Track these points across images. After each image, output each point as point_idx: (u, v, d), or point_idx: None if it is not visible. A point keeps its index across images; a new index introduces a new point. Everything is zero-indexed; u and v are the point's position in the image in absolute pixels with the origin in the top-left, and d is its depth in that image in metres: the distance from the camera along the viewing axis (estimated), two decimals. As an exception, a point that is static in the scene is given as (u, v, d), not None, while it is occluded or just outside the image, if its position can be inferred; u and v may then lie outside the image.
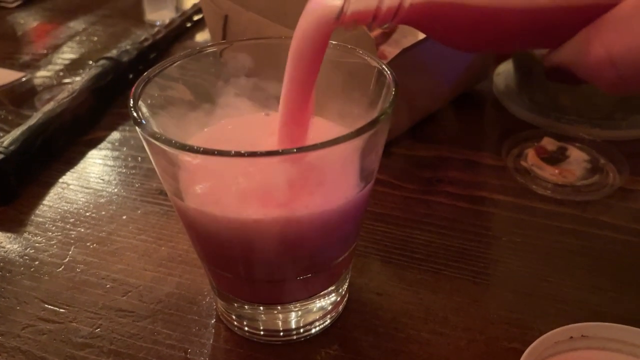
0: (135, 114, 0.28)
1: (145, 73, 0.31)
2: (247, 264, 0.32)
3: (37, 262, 0.42)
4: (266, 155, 0.24)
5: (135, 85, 0.30)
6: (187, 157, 0.27)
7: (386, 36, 0.66)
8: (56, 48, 0.77)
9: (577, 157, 0.51)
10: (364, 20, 0.25)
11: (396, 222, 0.45)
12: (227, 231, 0.29)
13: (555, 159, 0.51)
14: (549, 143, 0.52)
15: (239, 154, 0.24)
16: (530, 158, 0.51)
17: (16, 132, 0.50)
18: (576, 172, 0.49)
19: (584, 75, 0.23)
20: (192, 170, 0.29)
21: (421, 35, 0.64)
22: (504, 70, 0.65)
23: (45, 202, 0.48)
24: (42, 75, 0.70)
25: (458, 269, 0.40)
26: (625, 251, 0.42)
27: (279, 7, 0.51)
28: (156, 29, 0.73)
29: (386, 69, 0.30)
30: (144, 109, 0.30)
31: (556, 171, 0.49)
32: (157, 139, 0.26)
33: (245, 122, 0.37)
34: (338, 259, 0.33)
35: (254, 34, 0.55)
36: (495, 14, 0.24)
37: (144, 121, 0.28)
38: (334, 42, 0.32)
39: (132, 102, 0.29)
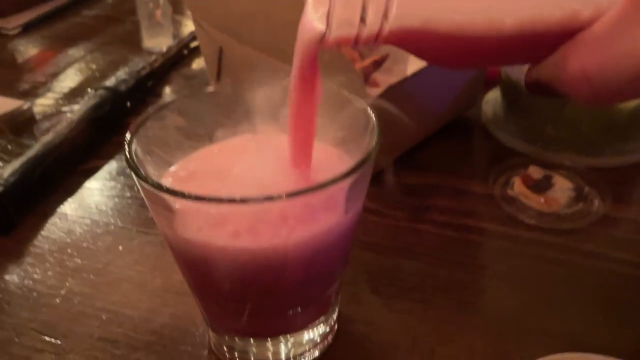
0: (129, 159, 0.29)
1: (140, 117, 0.32)
2: (237, 297, 0.33)
3: (34, 294, 0.43)
4: (257, 201, 0.26)
5: (130, 130, 0.31)
6: (179, 203, 0.28)
7: (377, 65, 0.68)
8: (55, 76, 0.79)
9: (562, 186, 0.52)
10: (346, 44, 0.27)
11: (385, 251, 0.46)
12: (217, 261, 0.30)
13: (541, 187, 0.52)
14: (534, 171, 0.54)
15: (231, 200, 0.26)
16: (517, 186, 0.52)
17: (15, 164, 0.52)
18: (561, 201, 0.51)
19: (562, 90, 0.24)
20: (185, 211, 0.30)
21: (411, 64, 0.66)
22: (492, 98, 0.66)
23: (43, 232, 0.49)
24: (41, 103, 0.71)
25: (445, 298, 0.41)
26: (609, 280, 0.43)
27: (273, 41, 0.52)
28: (154, 57, 0.75)
29: (371, 114, 0.32)
30: (139, 151, 0.31)
31: (542, 200, 0.51)
32: (151, 184, 0.27)
33: (232, 145, 0.38)
34: (327, 290, 0.35)
35: (248, 66, 0.57)
36: (466, 40, 0.25)
37: (138, 167, 0.29)
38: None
39: (127, 148, 0.30)
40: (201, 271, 0.32)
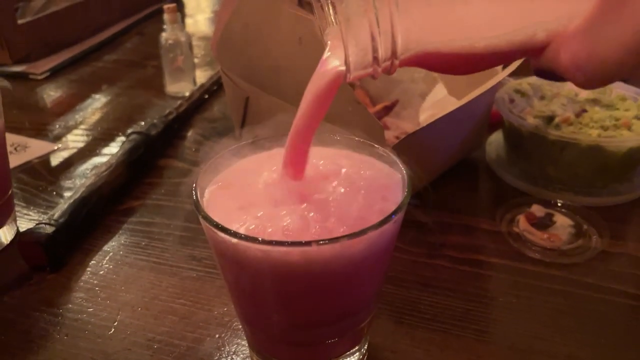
0: (199, 209, 0.34)
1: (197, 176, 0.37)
2: (283, 325, 0.38)
3: (90, 326, 0.47)
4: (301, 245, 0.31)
5: (194, 189, 0.36)
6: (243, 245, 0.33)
7: (388, 110, 0.74)
8: (85, 119, 0.84)
9: (563, 223, 0.57)
10: (365, 77, 0.31)
11: (406, 284, 0.51)
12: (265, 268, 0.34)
13: (544, 224, 0.58)
14: (537, 210, 0.59)
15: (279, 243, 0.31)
16: (522, 224, 0.57)
17: (63, 205, 0.57)
18: (562, 237, 0.56)
19: (562, 76, 0.28)
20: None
21: (422, 111, 0.71)
22: (495, 140, 0.72)
23: (90, 269, 0.54)
24: (74, 146, 0.76)
25: (463, 328, 0.46)
26: (608, 310, 0.48)
27: (297, 93, 0.58)
28: (179, 102, 0.81)
29: (405, 175, 0.37)
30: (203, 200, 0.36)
31: (545, 236, 0.56)
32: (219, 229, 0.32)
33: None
34: (363, 322, 0.39)
35: (273, 115, 0.62)
36: (468, 56, 0.29)
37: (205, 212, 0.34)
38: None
39: (195, 200, 0.35)
40: (255, 300, 0.37)
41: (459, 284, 0.51)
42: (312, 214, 0.34)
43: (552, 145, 0.60)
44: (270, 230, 0.33)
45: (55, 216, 0.55)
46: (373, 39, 0.28)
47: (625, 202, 0.61)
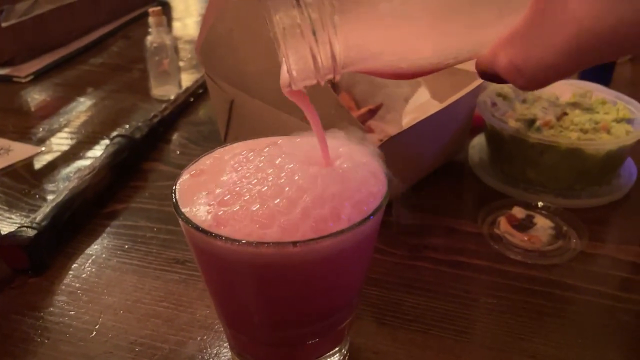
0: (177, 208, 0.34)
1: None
2: (260, 322, 0.38)
3: (71, 329, 0.47)
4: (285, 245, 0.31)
5: (173, 192, 0.36)
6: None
7: (372, 113, 0.74)
8: (69, 122, 0.84)
9: (543, 225, 0.58)
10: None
11: (388, 286, 0.51)
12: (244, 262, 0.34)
13: (524, 226, 0.58)
14: (518, 212, 0.60)
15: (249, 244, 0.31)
16: (503, 226, 0.58)
17: (46, 209, 0.56)
18: (542, 238, 0.56)
19: (503, 78, 0.28)
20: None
21: (405, 113, 0.72)
22: (478, 143, 0.73)
23: (72, 272, 0.54)
24: (58, 149, 0.76)
25: (443, 328, 0.47)
26: (587, 310, 0.49)
27: (281, 96, 0.58)
28: (164, 106, 0.81)
29: (384, 176, 0.37)
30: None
31: (525, 238, 0.56)
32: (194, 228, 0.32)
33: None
34: (344, 321, 0.40)
35: (258, 118, 0.62)
36: (405, 73, 0.30)
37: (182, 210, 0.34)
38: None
39: (175, 199, 0.35)
40: (234, 300, 0.37)
41: (441, 285, 0.51)
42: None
43: (533, 148, 0.61)
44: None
45: (38, 219, 0.55)
46: (313, 58, 0.29)
47: (604, 205, 0.62)
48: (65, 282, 0.52)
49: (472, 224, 0.59)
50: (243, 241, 0.31)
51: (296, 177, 0.34)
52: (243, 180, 0.35)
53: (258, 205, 0.33)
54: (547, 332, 0.46)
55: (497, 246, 0.56)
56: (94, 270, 0.54)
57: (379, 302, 0.49)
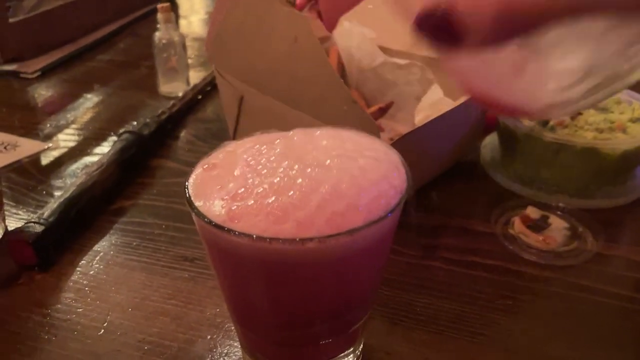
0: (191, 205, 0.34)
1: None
2: (273, 320, 0.37)
3: (79, 326, 0.46)
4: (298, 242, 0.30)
5: (186, 187, 0.35)
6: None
7: (383, 111, 0.73)
8: (77, 119, 0.83)
9: (558, 225, 0.57)
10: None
11: (401, 286, 0.50)
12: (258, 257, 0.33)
13: (539, 226, 0.57)
14: (532, 212, 0.59)
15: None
16: (517, 226, 0.57)
17: (53, 205, 0.56)
18: (557, 239, 0.55)
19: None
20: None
21: (417, 112, 0.71)
22: (490, 142, 0.72)
23: (80, 269, 0.53)
24: (65, 145, 0.75)
25: (458, 330, 0.46)
26: (603, 312, 0.48)
27: (293, 92, 0.57)
28: (172, 102, 0.80)
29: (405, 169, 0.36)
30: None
31: (540, 238, 0.55)
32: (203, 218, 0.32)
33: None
34: (358, 321, 0.39)
35: (268, 115, 0.61)
36: None
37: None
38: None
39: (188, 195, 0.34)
40: (246, 292, 0.36)
41: (454, 286, 0.50)
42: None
43: (547, 147, 0.60)
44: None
45: (45, 215, 0.54)
46: None
47: (620, 205, 0.61)
48: (72, 278, 0.52)
49: (485, 224, 0.58)
50: (255, 236, 0.30)
51: (309, 170, 0.33)
52: (256, 173, 0.34)
53: (273, 199, 0.32)
54: (562, 334, 0.45)
55: (512, 246, 0.55)
56: (101, 267, 0.53)
57: (391, 303, 0.48)
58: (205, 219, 0.32)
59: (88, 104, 0.88)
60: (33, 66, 0.97)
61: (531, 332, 0.45)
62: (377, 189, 0.33)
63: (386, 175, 0.34)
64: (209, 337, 0.45)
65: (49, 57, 1.01)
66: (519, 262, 0.53)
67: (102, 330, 0.46)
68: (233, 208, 0.32)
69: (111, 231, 0.58)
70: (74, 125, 0.81)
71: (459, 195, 0.64)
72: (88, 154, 0.73)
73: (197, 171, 0.36)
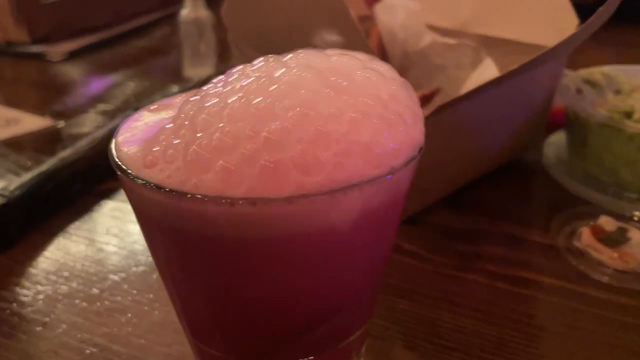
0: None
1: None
2: (232, 325, 0.27)
3: (16, 318, 0.38)
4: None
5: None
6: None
7: (426, 100, 0.62)
8: (92, 100, 0.77)
9: (639, 240, 0.44)
10: None
11: (423, 300, 0.39)
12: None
13: (615, 240, 0.44)
14: (606, 222, 0.46)
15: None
16: (586, 238, 0.45)
17: (26, 177, 0.48)
18: (638, 257, 0.42)
19: None
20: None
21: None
22: (556, 141, 0.59)
23: (43, 252, 0.45)
24: (72, 124, 0.69)
25: (494, 363, 0.34)
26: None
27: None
28: (192, 84, 0.72)
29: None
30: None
31: (615, 254, 0.43)
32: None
33: None
34: (344, 338, 0.28)
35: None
36: None
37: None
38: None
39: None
40: (194, 287, 0.26)
41: (494, 306, 0.38)
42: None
43: (629, 141, 0.48)
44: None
45: (11, 187, 0.46)
46: None
47: None
48: (30, 262, 0.43)
49: (543, 233, 0.46)
50: (198, 196, 0.20)
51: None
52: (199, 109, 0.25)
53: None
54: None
55: (576, 262, 0.42)
56: (67, 252, 0.45)
57: (407, 321, 0.37)
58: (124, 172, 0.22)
59: (107, 86, 0.82)
60: (60, 49, 0.93)
61: (598, 374, 0.33)
62: (385, 123, 0.22)
63: (396, 97, 0.23)
64: (167, 344, 0.35)
65: (78, 42, 0.96)
66: (585, 283, 0.41)
67: (42, 327, 0.37)
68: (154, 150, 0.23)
69: (91, 213, 0.50)
70: (87, 106, 0.75)
71: (511, 197, 0.52)
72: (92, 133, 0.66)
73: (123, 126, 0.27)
